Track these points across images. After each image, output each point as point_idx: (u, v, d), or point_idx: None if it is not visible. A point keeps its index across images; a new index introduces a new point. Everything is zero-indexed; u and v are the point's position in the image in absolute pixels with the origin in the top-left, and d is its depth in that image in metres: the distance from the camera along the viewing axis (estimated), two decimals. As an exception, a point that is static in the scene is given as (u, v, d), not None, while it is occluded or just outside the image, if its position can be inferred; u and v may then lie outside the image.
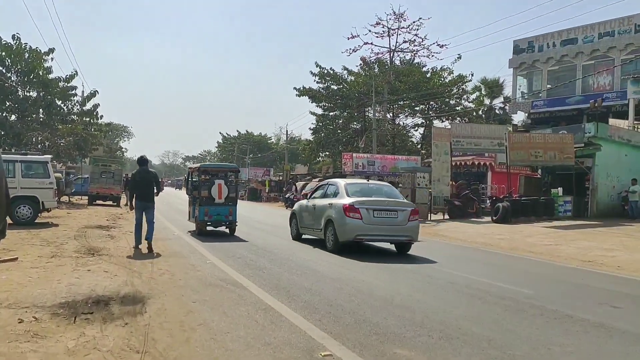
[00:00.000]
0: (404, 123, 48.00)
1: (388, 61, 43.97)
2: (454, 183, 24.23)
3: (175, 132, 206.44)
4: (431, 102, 46.24)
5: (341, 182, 12.88)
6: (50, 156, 17.16)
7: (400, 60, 48.66)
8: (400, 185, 23.11)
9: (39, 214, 15.83)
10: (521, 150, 20.82)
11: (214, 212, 14.33)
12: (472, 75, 45.23)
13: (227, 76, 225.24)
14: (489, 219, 21.44)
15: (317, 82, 46.66)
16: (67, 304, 6.06)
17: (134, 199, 11.35)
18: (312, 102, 47.47)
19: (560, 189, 22.54)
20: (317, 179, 38.35)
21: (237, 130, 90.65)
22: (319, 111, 48.07)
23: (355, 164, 32.92)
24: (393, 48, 42.40)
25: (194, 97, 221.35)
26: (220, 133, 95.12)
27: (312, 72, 46.17)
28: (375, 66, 47.36)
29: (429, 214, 22.98)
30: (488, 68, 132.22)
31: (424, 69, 46.16)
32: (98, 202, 28.71)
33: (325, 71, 45.94)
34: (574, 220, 20.82)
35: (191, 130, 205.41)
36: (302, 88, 46.35)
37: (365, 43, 41.93)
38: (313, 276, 8.41)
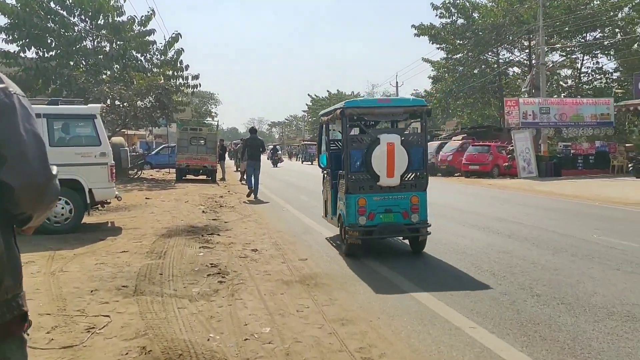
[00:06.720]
0: (552, 62, 37.46)
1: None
2: None
3: (260, 99, 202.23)
4: (588, 33, 35.35)
5: None
6: (101, 105, 9.84)
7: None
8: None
9: (87, 212, 8.66)
10: None
11: (380, 205, 6.70)
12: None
13: (313, 39, 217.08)
14: None
15: (440, 17, 37.27)
16: None
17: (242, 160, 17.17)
18: (432, 43, 38.26)
19: None
20: (459, 137, 29.76)
21: (328, 91, 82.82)
22: (440, 55, 38.87)
23: (522, 112, 23.79)
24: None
25: (278, 63, 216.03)
26: (308, 95, 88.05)
27: (433, 5, 36.74)
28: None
29: None
30: None
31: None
32: (188, 176, 21.91)
33: (452, 1, 36.31)
34: None
35: (276, 97, 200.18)
36: (421, 25, 37.15)
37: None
38: None
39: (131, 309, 4.49)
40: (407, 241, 7.29)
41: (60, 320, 4.16)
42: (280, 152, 48.24)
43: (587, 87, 36.03)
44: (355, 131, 7.84)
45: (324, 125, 8.27)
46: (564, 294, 5.02)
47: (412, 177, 6.81)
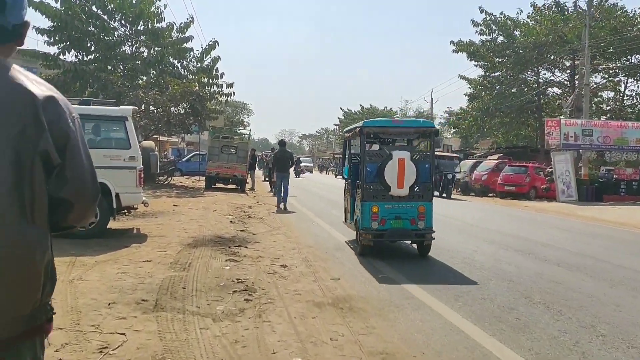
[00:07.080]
0: (595, 83, 36.22)
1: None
2: None
3: (292, 110, 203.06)
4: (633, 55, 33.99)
5: None
6: (133, 107, 9.58)
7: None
8: None
9: (112, 217, 8.38)
10: None
11: (390, 212, 7.53)
12: None
13: (348, 53, 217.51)
14: None
15: (480, 34, 36.48)
16: None
17: (274, 172, 15.22)
18: (470, 60, 37.42)
19: None
20: (495, 157, 28.91)
21: (360, 105, 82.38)
22: (477, 73, 38.02)
23: (564, 133, 22.91)
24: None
25: (312, 76, 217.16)
26: (340, 109, 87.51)
27: (473, 22, 36.05)
28: (550, 12, 35.99)
29: None
30: None
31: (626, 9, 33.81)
32: (218, 185, 21.70)
33: (493, 18, 35.53)
34: None
35: (308, 109, 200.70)
36: (460, 41, 36.43)
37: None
38: None
39: (149, 327, 4.10)
40: (414, 245, 8.22)
41: (72, 337, 3.79)
42: (307, 164, 47.79)
43: (630, 110, 34.72)
44: (376, 147, 8.81)
45: (348, 141, 9.24)
46: (632, 336, 4.43)
47: (419, 188, 7.63)
